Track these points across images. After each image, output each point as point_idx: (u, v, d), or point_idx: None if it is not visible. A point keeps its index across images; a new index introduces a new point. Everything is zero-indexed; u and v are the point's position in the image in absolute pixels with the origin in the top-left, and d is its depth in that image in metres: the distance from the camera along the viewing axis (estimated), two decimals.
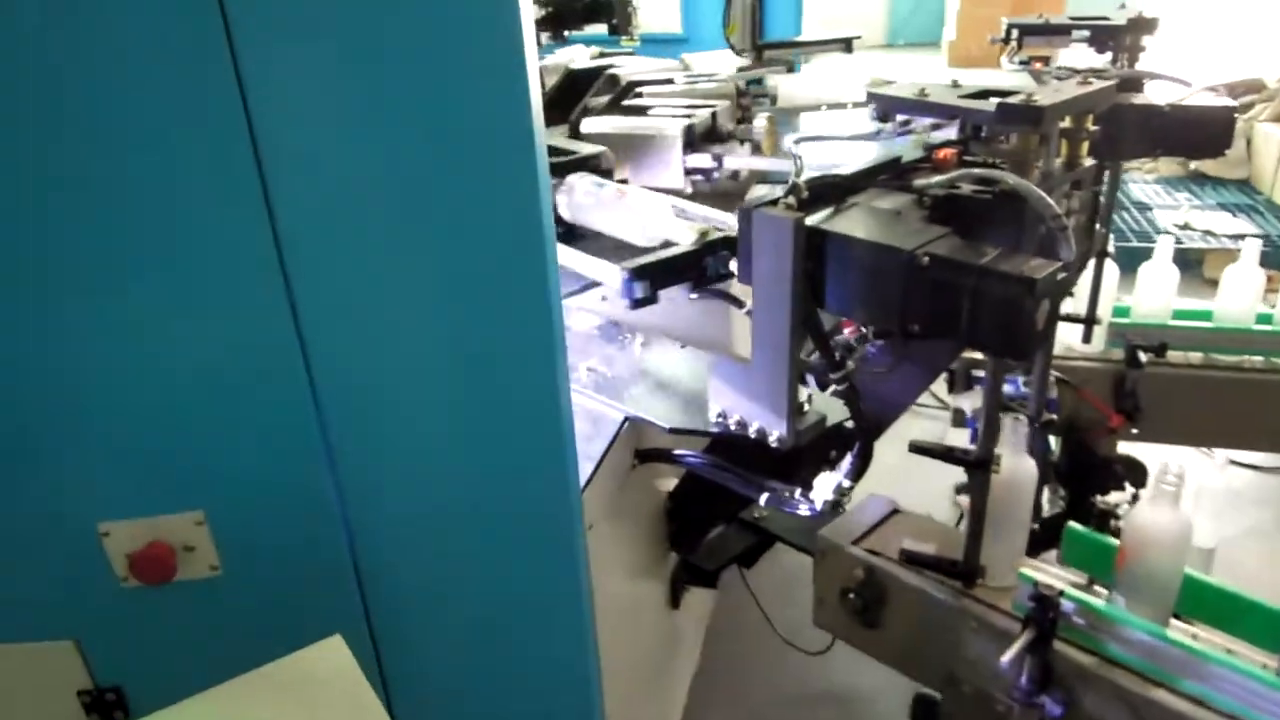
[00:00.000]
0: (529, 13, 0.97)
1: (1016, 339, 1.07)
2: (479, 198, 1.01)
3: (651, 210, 1.56)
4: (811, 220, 1.23)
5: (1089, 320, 2.39)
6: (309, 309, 1.02)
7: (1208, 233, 4.81)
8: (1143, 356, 2.32)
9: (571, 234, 2.13)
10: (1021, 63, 2.32)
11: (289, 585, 1.15)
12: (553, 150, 2.13)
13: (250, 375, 1.03)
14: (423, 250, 1.04)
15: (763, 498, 1.41)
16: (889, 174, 1.41)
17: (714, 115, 2.41)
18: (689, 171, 2.21)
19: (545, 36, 3.10)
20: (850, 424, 1.34)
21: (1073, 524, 1.65)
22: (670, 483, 1.72)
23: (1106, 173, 2.01)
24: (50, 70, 0.89)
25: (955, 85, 1.46)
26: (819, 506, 1.35)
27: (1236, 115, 2.03)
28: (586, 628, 1.29)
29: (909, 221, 1.23)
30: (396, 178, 0.99)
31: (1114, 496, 2.61)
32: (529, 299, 1.06)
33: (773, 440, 1.32)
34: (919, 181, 1.32)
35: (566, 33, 3.16)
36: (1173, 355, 2.48)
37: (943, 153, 1.46)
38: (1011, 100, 1.27)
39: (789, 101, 2.68)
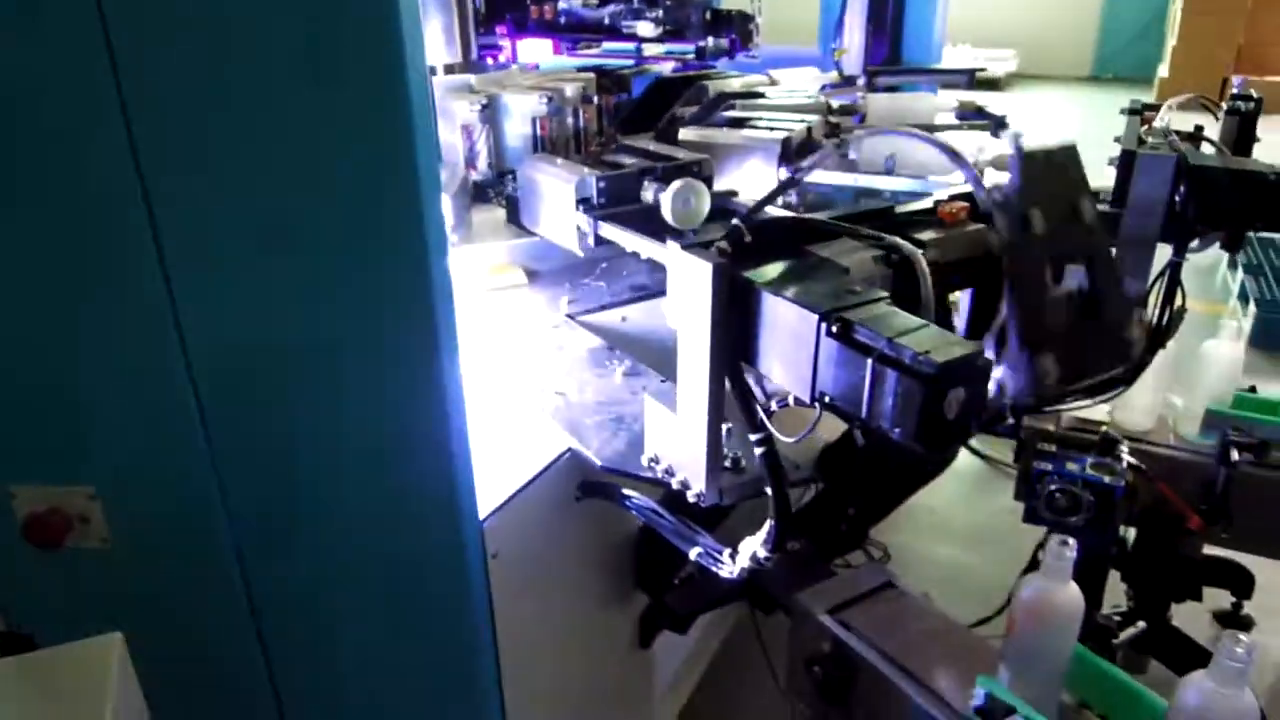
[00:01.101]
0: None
1: (919, 428, 0.95)
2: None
3: None
4: (752, 269, 1.14)
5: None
6: (186, 299, 1.04)
7: None
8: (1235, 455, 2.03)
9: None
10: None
11: (173, 569, 1.18)
12: (650, 154, 2.10)
13: (131, 363, 1.07)
14: (298, 246, 1.04)
15: (693, 552, 1.32)
16: (873, 223, 1.29)
17: (809, 130, 2.32)
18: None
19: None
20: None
21: (1079, 645, 1.47)
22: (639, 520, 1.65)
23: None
24: None
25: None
26: (735, 572, 1.25)
27: None
28: (481, 644, 1.26)
29: (852, 282, 1.11)
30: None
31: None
32: (413, 294, 1.05)
33: (691, 496, 1.24)
34: (889, 239, 1.20)
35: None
36: None
37: (949, 207, 1.33)
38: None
39: (879, 122, 2.53)
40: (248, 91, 0.97)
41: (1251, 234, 5.24)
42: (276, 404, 1.11)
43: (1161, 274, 1.78)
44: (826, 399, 1.05)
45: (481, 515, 1.23)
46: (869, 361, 0.96)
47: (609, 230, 1.77)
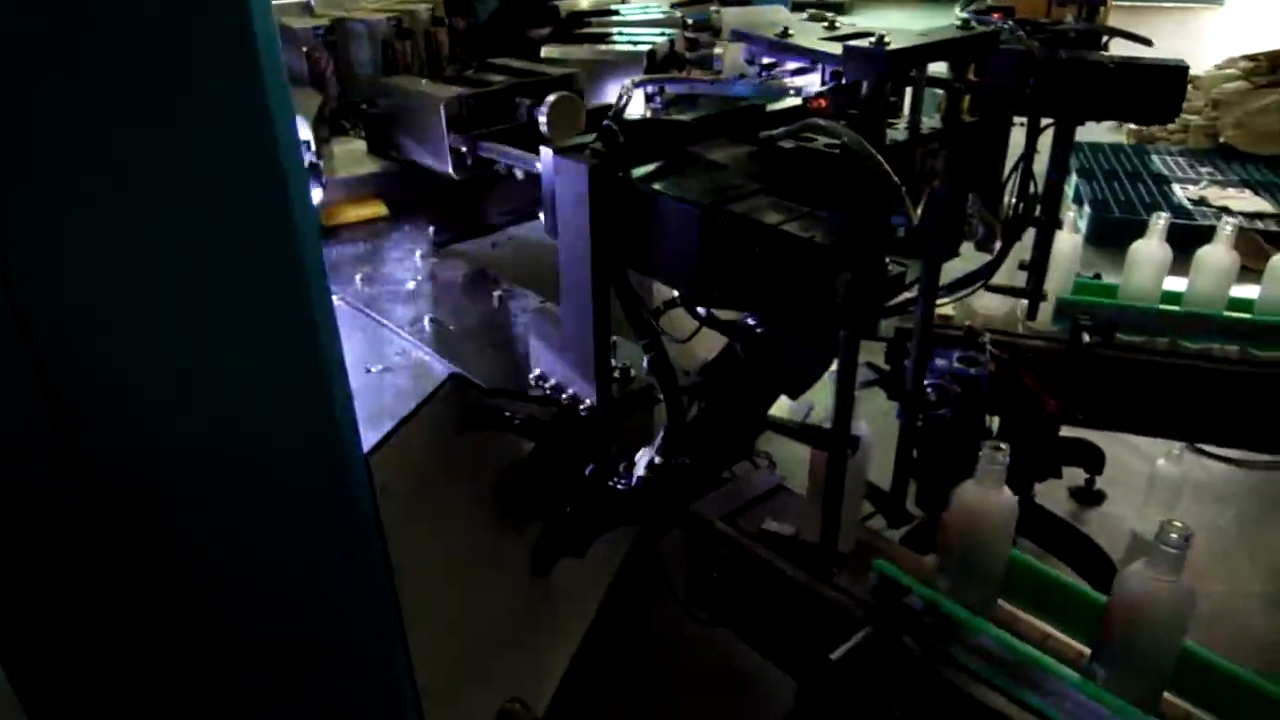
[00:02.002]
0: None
1: (809, 314, 0.95)
2: None
3: None
4: (632, 170, 1.11)
5: (1033, 295, 2.23)
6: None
7: (1223, 209, 4.54)
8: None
9: None
10: (978, 11, 2.14)
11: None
12: (519, 72, 2.01)
13: None
14: (137, 180, 0.94)
15: (587, 469, 1.31)
16: (745, 123, 1.27)
17: (671, 43, 2.29)
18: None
19: None
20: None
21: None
22: (530, 445, 1.62)
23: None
24: None
25: (831, 26, 1.31)
26: (633, 483, 1.24)
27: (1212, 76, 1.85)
28: (378, 584, 1.21)
29: (731, 177, 1.10)
30: None
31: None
32: (273, 224, 0.97)
33: (582, 409, 1.21)
34: (764, 134, 1.19)
35: None
36: (1134, 339, 2.31)
37: (816, 103, 1.32)
38: (859, 43, 1.13)
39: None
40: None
41: (1082, 141, 5.53)
42: (129, 352, 1.02)
43: (1016, 166, 1.85)
44: (715, 295, 1.03)
45: (366, 449, 1.17)
46: (755, 251, 0.95)
47: (489, 149, 1.70)
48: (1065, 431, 2.52)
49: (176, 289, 1.02)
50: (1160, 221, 2.28)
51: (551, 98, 1.55)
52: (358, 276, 1.68)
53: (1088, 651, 1.31)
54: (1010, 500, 1.32)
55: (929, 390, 2.08)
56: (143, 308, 1.02)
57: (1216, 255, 2.29)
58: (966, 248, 2.12)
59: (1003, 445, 1.31)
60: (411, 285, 1.64)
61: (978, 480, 1.33)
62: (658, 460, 1.21)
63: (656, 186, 1.05)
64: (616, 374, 1.27)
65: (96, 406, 1.09)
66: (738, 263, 0.99)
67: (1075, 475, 2.93)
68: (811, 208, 1.01)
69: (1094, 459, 2.75)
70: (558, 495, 1.68)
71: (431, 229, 1.88)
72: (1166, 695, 1.24)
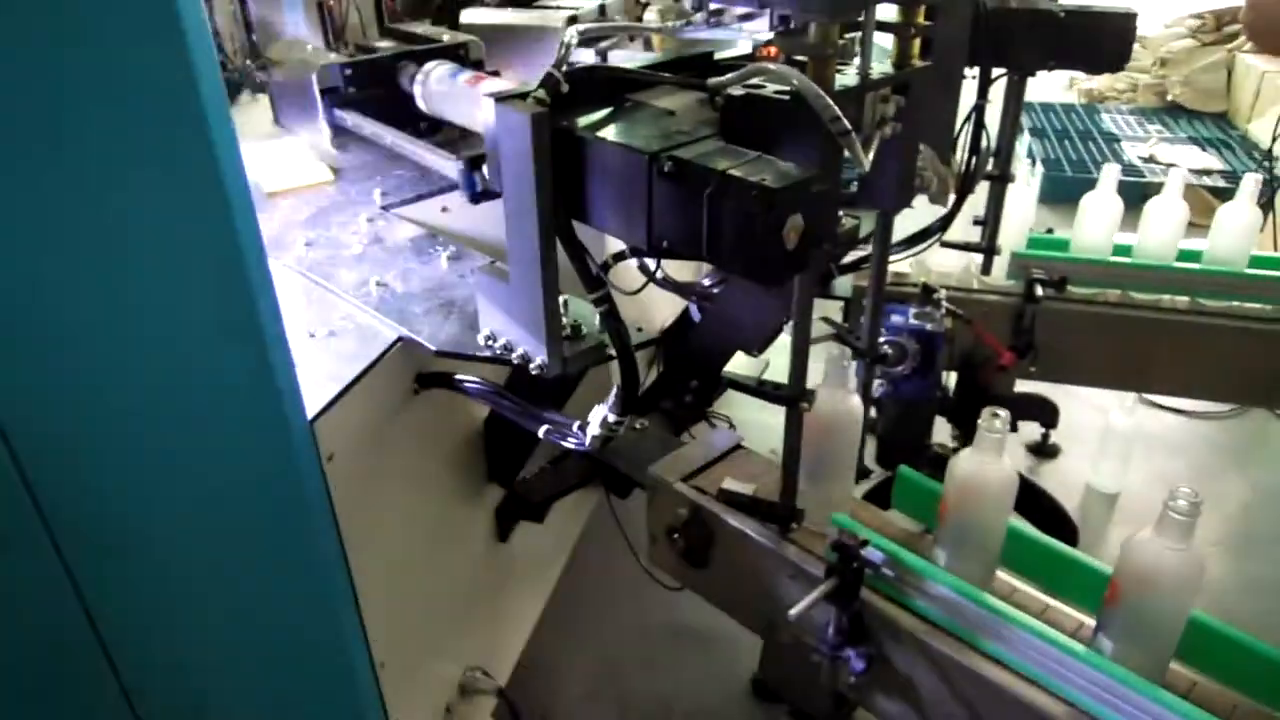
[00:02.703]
0: None
1: (760, 260, 0.93)
2: None
3: None
4: (573, 119, 1.08)
5: (987, 250, 2.23)
6: None
7: (1171, 166, 4.60)
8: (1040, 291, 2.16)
9: (436, 127, 1.97)
10: None
11: None
12: (413, 38, 1.96)
13: None
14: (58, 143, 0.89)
15: (541, 430, 1.28)
16: (693, 71, 1.24)
17: (602, 8, 2.23)
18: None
19: None
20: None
21: (904, 468, 1.53)
22: (485, 410, 1.59)
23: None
24: None
25: None
26: (588, 442, 1.22)
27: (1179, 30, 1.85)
28: (327, 552, 1.18)
29: (679, 124, 1.07)
30: None
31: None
32: (201, 184, 0.92)
33: (534, 368, 1.18)
34: (712, 80, 1.16)
35: None
36: (1086, 292, 2.33)
37: (766, 49, 1.29)
38: None
39: None
40: None
41: (1034, 101, 5.56)
42: (59, 326, 0.97)
43: (967, 119, 1.84)
44: (664, 244, 1.01)
45: (309, 416, 1.14)
46: (704, 197, 0.93)
47: (356, 120, 1.65)
48: (1020, 387, 2.55)
49: (106, 259, 0.97)
50: (1112, 172, 2.30)
51: (429, 66, 1.49)
52: (301, 242, 1.62)
53: (1088, 621, 1.28)
54: (1010, 471, 1.29)
55: (886, 347, 2.08)
56: (75, 279, 0.98)
57: (1166, 206, 2.31)
58: (921, 202, 2.12)
59: (1001, 412, 1.28)
60: (358, 249, 1.60)
61: (976, 450, 1.31)
62: (611, 419, 1.18)
63: (601, 134, 1.02)
64: (567, 331, 1.24)
65: (26, 381, 1.04)
66: (685, 210, 0.97)
67: (1031, 430, 2.96)
68: (762, 154, 0.98)
69: (1049, 413, 2.78)
70: (514, 461, 1.66)
71: (378, 192, 1.83)
72: (1173, 665, 1.22)
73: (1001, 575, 1.41)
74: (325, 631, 1.25)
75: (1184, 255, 2.36)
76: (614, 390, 1.17)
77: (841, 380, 1.36)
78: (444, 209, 1.83)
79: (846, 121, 1.04)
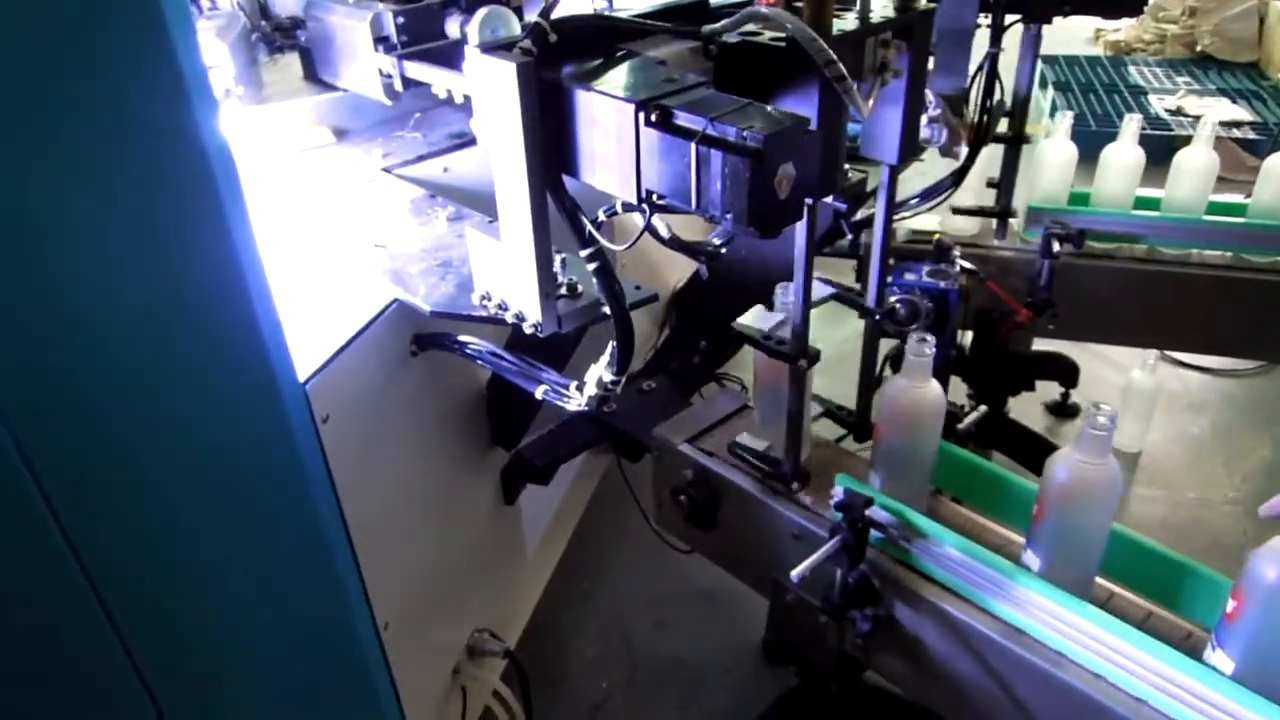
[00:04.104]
0: None
1: (751, 210, 0.90)
2: None
3: None
4: (561, 70, 1.05)
5: (1001, 214, 2.17)
6: None
7: (1199, 119, 4.47)
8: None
9: None
10: None
11: None
12: None
13: None
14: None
15: (539, 390, 1.26)
16: (687, 18, 1.20)
17: None
18: None
19: None
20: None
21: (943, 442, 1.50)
22: (488, 373, 1.57)
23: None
24: None
25: None
26: (584, 402, 1.20)
27: None
28: (325, 516, 1.18)
29: (671, 73, 1.04)
30: None
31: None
32: (180, 145, 0.91)
33: (527, 327, 1.17)
34: (706, 28, 1.12)
35: None
36: (1106, 247, 2.27)
37: None
38: None
39: None
40: None
41: (1058, 54, 5.42)
42: (26, 289, 0.96)
43: (980, 68, 1.78)
44: (655, 197, 0.98)
45: (303, 378, 1.13)
46: (692, 146, 0.90)
47: (415, 69, 1.62)
48: (1040, 345, 2.50)
49: (84, 219, 0.96)
50: (1134, 122, 2.23)
51: (482, 12, 1.47)
52: (299, 205, 1.61)
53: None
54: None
55: (898, 306, 2.04)
56: (50, 244, 0.96)
57: (1195, 157, 2.24)
58: (936, 158, 2.06)
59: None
60: (356, 211, 1.58)
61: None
62: (607, 378, 1.16)
63: (588, 84, 0.99)
64: (564, 290, 1.22)
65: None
66: (674, 161, 0.94)
67: (1051, 390, 2.92)
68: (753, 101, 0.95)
69: (1068, 372, 2.73)
70: (518, 422, 1.65)
71: (380, 153, 1.81)
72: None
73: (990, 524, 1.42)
74: (325, 592, 1.25)
75: (1214, 208, 2.28)
76: (609, 348, 1.15)
77: (918, 368, 1.32)
78: (445, 169, 1.81)
79: (843, 68, 1.01)
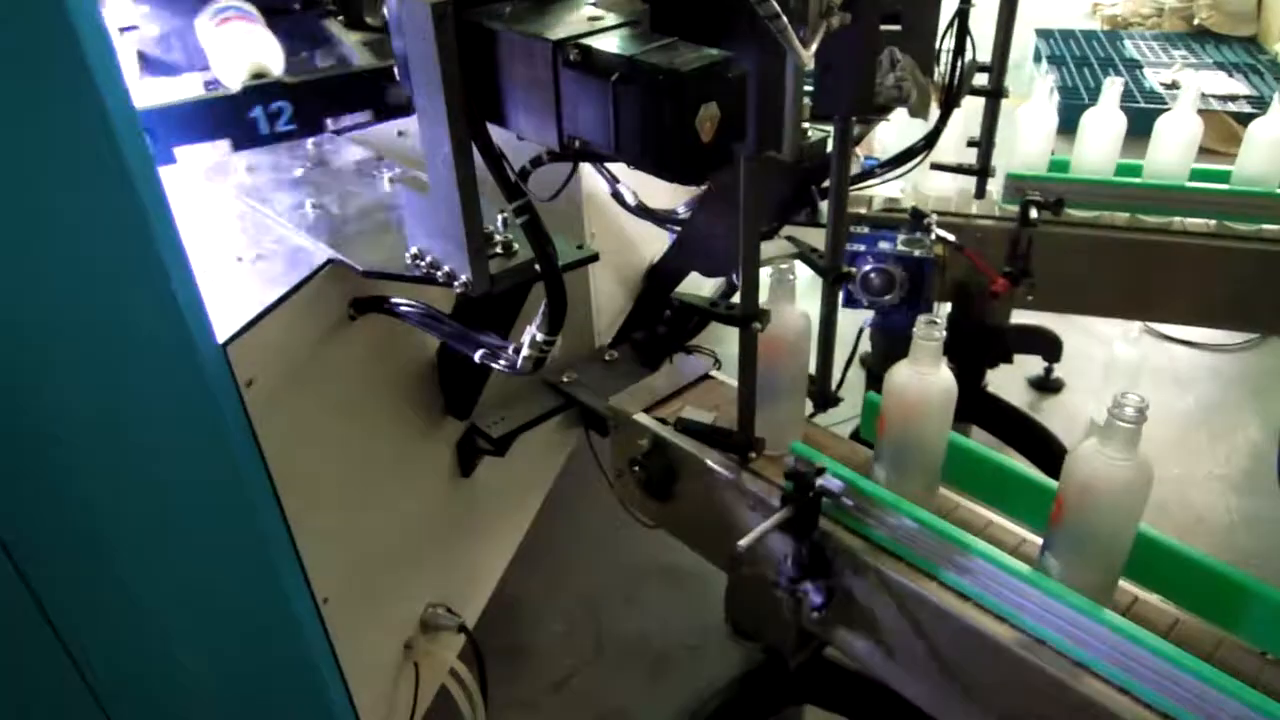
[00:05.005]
0: None
1: (671, 153, 0.85)
2: None
3: None
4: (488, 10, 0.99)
5: (980, 171, 2.12)
6: None
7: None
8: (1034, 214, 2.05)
9: None
10: None
11: None
12: None
13: None
14: None
15: (477, 354, 1.22)
16: None
17: None
18: None
19: None
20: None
21: (872, 394, 1.45)
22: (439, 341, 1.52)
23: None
24: None
25: None
26: (519, 364, 1.15)
27: None
28: (252, 485, 1.13)
29: (601, 13, 0.98)
30: None
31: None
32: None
33: (458, 285, 1.12)
34: None
35: None
36: (1086, 215, 2.21)
37: None
38: None
39: None
40: None
41: (1053, 28, 5.33)
42: None
43: (950, 24, 1.72)
44: (577, 144, 0.93)
45: (222, 339, 1.08)
46: (610, 85, 0.84)
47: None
48: (1023, 318, 2.45)
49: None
50: (1115, 86, 2.16)
51: None
52: (243, 167, 1.56)
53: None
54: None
55: (872, 275, 1.99)
56: None
57: (1178, 122, 2.18)
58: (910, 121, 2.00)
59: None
60: (298, 173, 1.53)
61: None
62: (540, 338, 1.11)
63: (507, 24, 0.94)
64: (499, 249, 1.17)
65: None
66: (594, 104, 0.89)
67: (1034, 364, 2.87)
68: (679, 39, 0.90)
69: (1051, 346, 2.68)
70: (470, 392, 1.60)
71: (329, 119, 1.75)
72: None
73: (944, 492, 1.35)
74: (254, 563, 1.21)
75: (1197, 175, 2.22)
76: (541, 308, 1.10)
77: (929, 353, 1.21)
78: (400, 133, 1.76)
79: (776, 5, 0.95)
